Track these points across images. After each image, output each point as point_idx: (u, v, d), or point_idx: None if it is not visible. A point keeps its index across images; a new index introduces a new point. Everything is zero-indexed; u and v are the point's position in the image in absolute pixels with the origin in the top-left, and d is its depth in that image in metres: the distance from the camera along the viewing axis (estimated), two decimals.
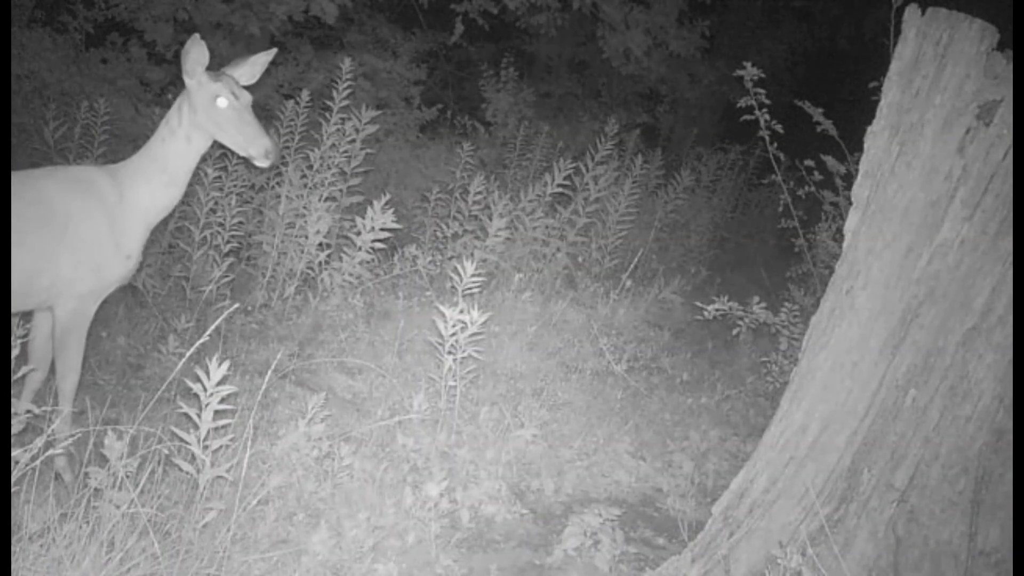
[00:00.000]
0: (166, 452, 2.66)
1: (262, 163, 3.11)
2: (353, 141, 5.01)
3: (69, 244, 2.79)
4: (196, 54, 3.03)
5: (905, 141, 2.51)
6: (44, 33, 6.50)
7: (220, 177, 4.64)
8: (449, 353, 3.37)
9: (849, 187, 3.16)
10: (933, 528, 2.41)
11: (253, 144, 3.07)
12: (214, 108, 3.03)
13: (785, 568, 2.41)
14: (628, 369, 4.67)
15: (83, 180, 2.93)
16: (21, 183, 2.77)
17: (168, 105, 5.07)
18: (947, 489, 2.40)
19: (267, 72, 8.32)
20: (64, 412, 2.86)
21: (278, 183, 5.01)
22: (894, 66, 2.57)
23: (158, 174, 2.98)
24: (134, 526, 2.36)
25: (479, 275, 3.78)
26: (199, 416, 2.42)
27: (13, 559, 2.20)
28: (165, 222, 4.71)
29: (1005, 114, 2.38)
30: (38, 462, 2.32)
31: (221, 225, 4.61)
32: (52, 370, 2.94)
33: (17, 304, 2.80)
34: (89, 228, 2.83)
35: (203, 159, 4.72)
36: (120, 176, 2.96)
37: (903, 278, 2.49)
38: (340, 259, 4.78)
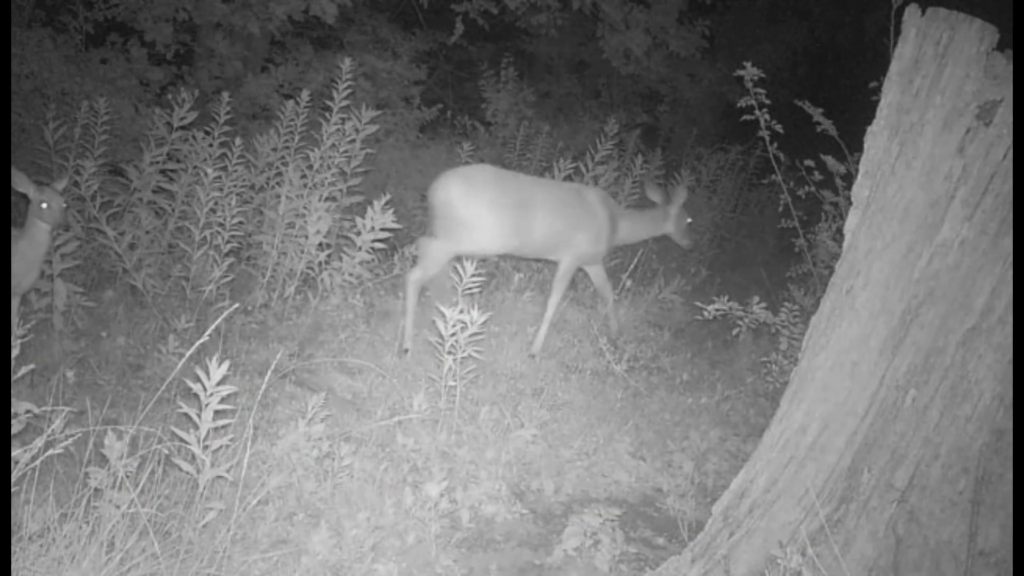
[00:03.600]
0: (166, 452, 2.66)
1: None
2: (353, 141, 5.01)
3: (586, 228, 4.70)
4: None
5: (905, 141, 2.51)
6: (44, 33, 6.49)
7: (220, 177, 4.65)
8: (449, 353, 3.38)
9: (849, 187, 3.16)
10: (933, 528, 2.41)
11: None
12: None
13: (785, 568, 2.41)
14: (628, 369, 4.67)
15: (608, 199, 4.94)
16: (574, 189, 4.84)
17: (168, 105, 5.11)
18: (947, 489, 2.40)
19: (267, 72, 8.33)
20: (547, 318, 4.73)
21: (278, 183, 5.01)
22: (894, 66, 2.57)
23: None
24: (134, 526, 2.36)
25: (479, 275, 3.78)
26: (199, 416, 2.42)
27: (13, 559, 2.20)
28: (165, 223, 4.74)
29: (1005, 114, 2.38)
30: (38, 462, 2.32)
31: (221, 225, 4.61)
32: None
33: (546, 253, 4.71)
34: (601, 224, 4.77)
35: (203, 159, 4.76)
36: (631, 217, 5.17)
37: (903, 278, 2.49)
38: (340, 259, 4.78)
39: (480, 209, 4.28)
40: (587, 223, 4.70)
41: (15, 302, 3.60)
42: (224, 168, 4.72)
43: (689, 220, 5.40)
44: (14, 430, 2.34)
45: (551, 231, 4.56)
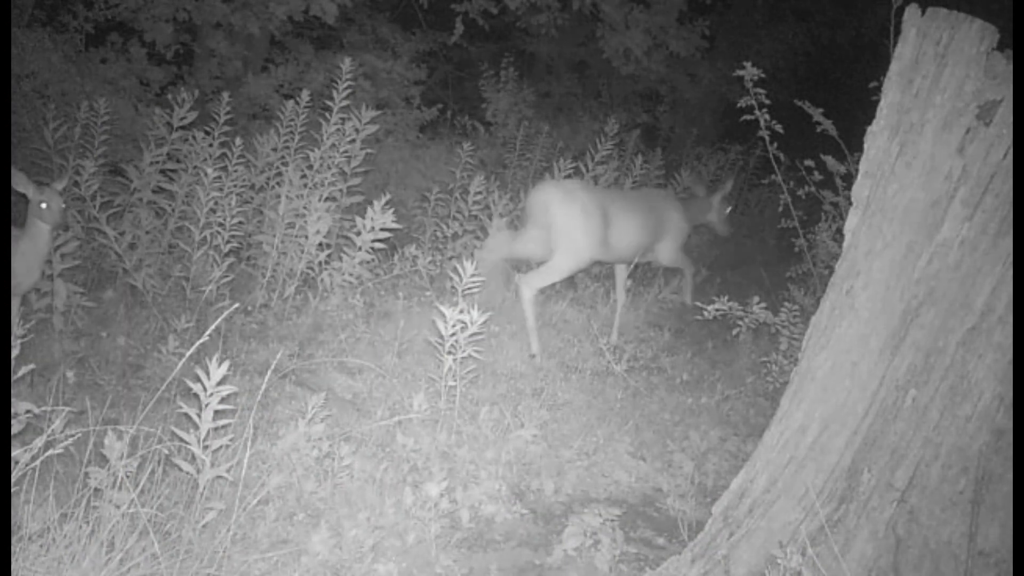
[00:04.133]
0: (166, 452, 2.66)
1: None
2: (353, 141, 5.01)
3: (667, 230, 5.30)
4: None
5: (905, 141, 2.51)
6: (44, 33, 6.49)
7: (220, 177, 4.64)
8: (449, 353, 3.37)
9: (849, 187, 3.15)
10: (933, 528, 2.41)
11: None
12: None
13: (785, 568, 2.41)
14: (628, 369, 4.67)
15: (676, 200, 5.62)
16: (647, 195, 5.48)
17: (168, 105, 5.12)
18: (947, 489, 2.40)
19: (267, 72, 8.33)
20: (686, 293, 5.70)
21: (278, 183, 5.01)
22: (894, 66, 2.57)
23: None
24: (134, 526, 2.36)
25: (479, 275, 3.78)
26: (199, 416, 2.42)
27: (13, 559, 2.20)
28: (165, 223, 4.74)
29: (1005, 114, 2.38)
30: (38, 462, 2.32)
31: (221, 225, 4.61)
32: None
33: (639, 256, 5.16)
34: (680, 226, 5.41)
35: (203, 159, 4.76)
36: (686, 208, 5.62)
37: (903, 278, 2.49)
38: (340, 259, 4.78)
39: (576, 216, 4.65)
40: (670, 229, 5.33)
41: (15, 302, 3.60)
42: (224, 168, 4.72)
43: (729, 208, 5.85)
44: (14, 430, 2.34)
45: (638, 241, 5.07)
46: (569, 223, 4.61)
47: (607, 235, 4.76)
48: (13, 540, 2.26)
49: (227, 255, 4.62)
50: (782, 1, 10.85)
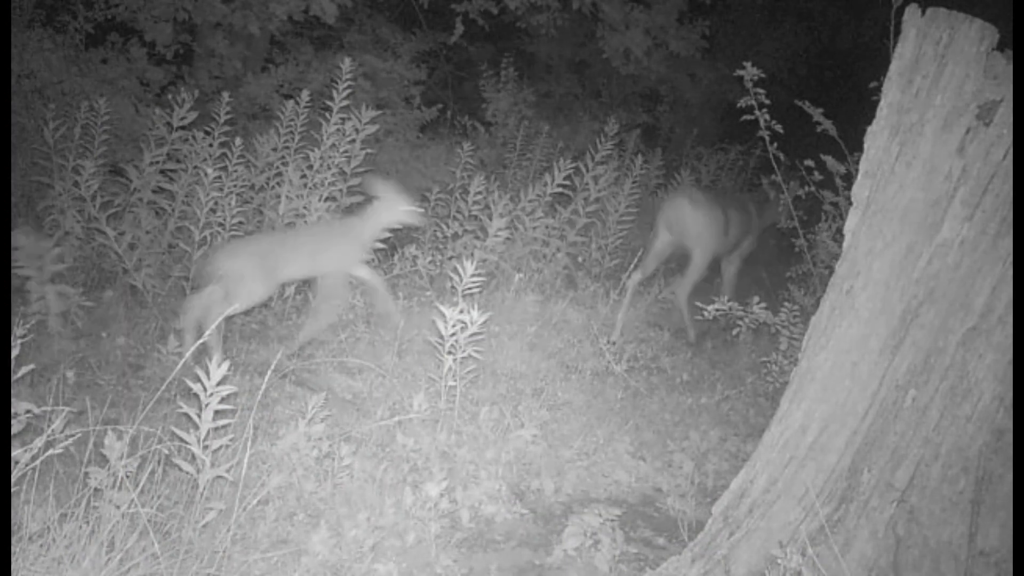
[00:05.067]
0: (166, 452, 2.66)
1: None
2: (353, 141, 5.01)
3: (750, 231, 5.88)
4: None
5: (905, 141, 2.51)
6: (44, 33, 6.49)
7: (220, 177, 4.64)
8: (449, 353, 3.37)
9: (849, 187, 3.16)
10: (933, 528, 2.41)
11: None
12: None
13: (785, 568, 2.41)
14: (628, 369, 4.67)
15: (756, 202, 6.10)
16: (747, 199, 6.12)
17: (168, 105, 5.12)
18: (947, 489, 2.40)
19: (267, 72, 8.32)
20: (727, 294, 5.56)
21: (278, 183, 5.01)
22: (894, 66, 2.57)
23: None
24: (134, 526, 2.36)
25: (479, 275, 3.78)
26: (199, 416, 2.42)
27: (13, 559, 2.20)
28: (165, 223, 4.74)
29: (1005, 114, 2.38)
30: (38, 462, 2.32)
31: (221, 225, 4.61)
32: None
33: (722, 252, 5.71)
34: (758, 230, 6.03)
35: (203, 159, 4.76)
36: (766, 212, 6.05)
37: (903, 278, 2.49)
38: None
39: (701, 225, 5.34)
40: (752, 230, 5.90)
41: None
42: (224, 168, 4.72)
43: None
44: (14, 430, 2.34)
45: (735, 240, 5.74)
46: (702, 230, 5.32)
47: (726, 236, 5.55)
48: (13, 540, 2.26)
49: None
50: (782, 1, 10.85)
